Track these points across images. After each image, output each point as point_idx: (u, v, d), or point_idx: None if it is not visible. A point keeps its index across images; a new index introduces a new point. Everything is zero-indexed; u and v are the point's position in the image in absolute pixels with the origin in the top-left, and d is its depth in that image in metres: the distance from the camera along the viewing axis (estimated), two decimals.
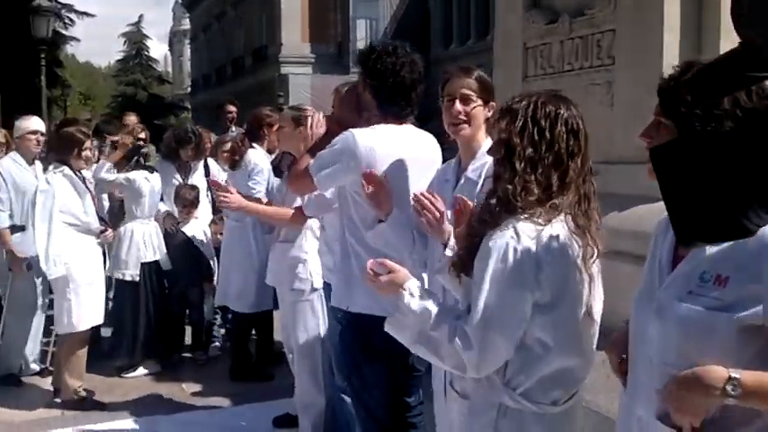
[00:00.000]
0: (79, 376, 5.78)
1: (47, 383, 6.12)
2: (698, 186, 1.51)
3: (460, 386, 2.49)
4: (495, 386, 2.36)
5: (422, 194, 3.00)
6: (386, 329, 2.48)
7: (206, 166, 7.17)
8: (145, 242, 6.41)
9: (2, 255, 6.20)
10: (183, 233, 6.71)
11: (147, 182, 6.43)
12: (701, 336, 1.92)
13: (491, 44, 5.57)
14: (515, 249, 2.22)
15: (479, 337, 2.24)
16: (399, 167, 3.43)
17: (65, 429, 5.34)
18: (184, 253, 6.69)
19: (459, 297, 2.52)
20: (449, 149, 8.04)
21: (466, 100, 3.10)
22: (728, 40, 3.88)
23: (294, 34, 37.71)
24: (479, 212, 2.41)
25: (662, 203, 3.35)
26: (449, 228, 2.93)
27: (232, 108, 9.12)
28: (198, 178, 7.06)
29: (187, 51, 72.61)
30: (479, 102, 3.11)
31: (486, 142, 3.04)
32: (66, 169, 5.63)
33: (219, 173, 7.20)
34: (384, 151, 3.40)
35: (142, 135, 6.91)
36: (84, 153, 5.74)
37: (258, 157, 6.01)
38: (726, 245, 1.91)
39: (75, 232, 5.62)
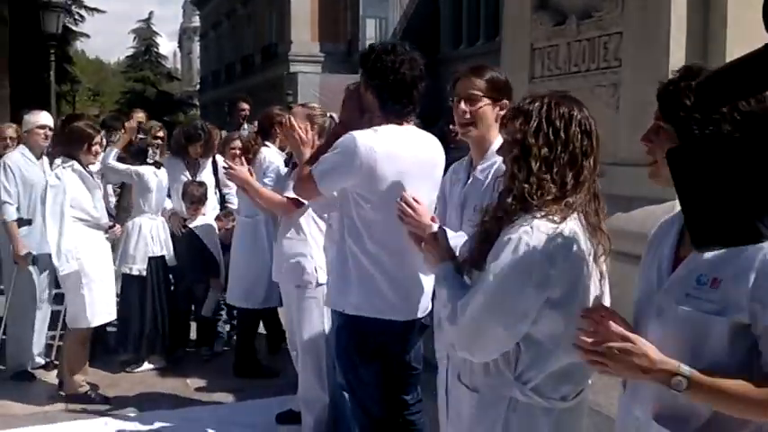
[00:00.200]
0: (83, 370, 5.81)
1: (51, 377, 6.16)
2: (714, 190, 1.51)
3: (470, 380, 2.52)
4: (505, 380, 2.39)
5: (404, 201, 3.04)
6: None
7: (214, 164, 7.19)
8: (152, 237, 6.44)
9: (8, 249, 6.23)
10: (191, 229, 6.73)
11: (156, 177, 6.47)
12: (696, 338, 1.95)
13: (500, 45, 5.59)
14: (528, 244, 2.26)
15: (469, 316, 2.29)
16: (400, 168, 3.45)
17: (69, 423, 5.37)
18: (191, 249, 6.72)
19: None
20: (456, 149, 8.06)
21: (472, 100, 3.11)
22: (735, 43, 3.91)
23: (304, 33, 37.75)
24: (494, 210, 2.44)
25: (665, 205, 3.37)
26: (428, 221, 2.99)
27: (245, 105, 9.13)
28: (206, 175, 7.07)
29: (196, 48, 72.75)
30: (487, 101, 3.10)
31: (497, 142, 3.00)
32: (76, 164, 5.63)
33: None
34: (385, 152, 3.41)
35: (160, 134, 6.93)
36: (93, 148, 5.76)
37: (272, 154, 6.02)
38: (722, 249, 1.93)
39: (85, 227, 5.63)
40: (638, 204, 3.82)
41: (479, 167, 3.14)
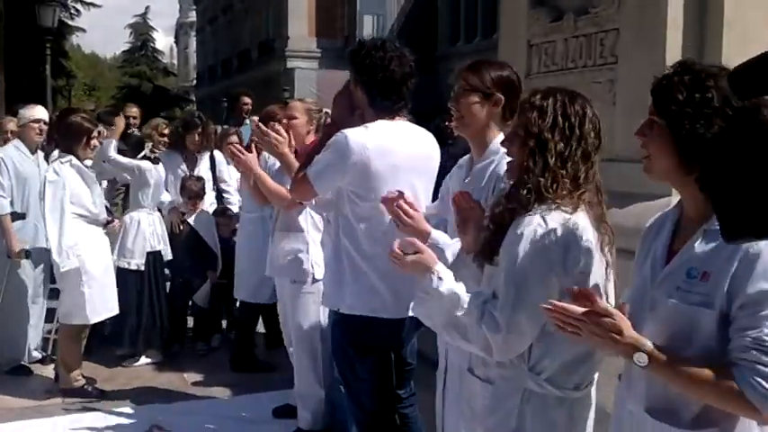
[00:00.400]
0: (79, 364, 5.81)
1: (48, 371, 6.17)
2: (746, 180, 1.53)
3: (484, 372, 2.54)
4: (520, 371, 2.43)
5: (401, 207, 3.05)
6: (413, 313, 2.59)
7: (212, 159, 7.18)
8: (151, 231, 6.46)
9: (1, 243, 6.19)
10: (188, 224, 6.73)
11: (155, 171, 6.50)
12: (686, 330, 1.98)
13: (497, 42, 5.59)
14: (543, 235, 2.30)
15: (507, 321, 2.32)
16: (394, 164, 3.45)
17: (65, 417, 5.36)
18: (189, 244, 6.72)
19: (482, 285, 2.54)
20: (453, 145, 8.07)
21: (460, 95, 3.04)
22: (731, 39, 3.92)
23: (301, 28, 37.72)
24: (505, 202, 2.45)
25: (661, 201, 3.38)
26: (425, 227, 3.01)
27: (247, 99, 9.12)
28: (203, 170, 7.07)
29: (193, 44, 72.60)
30: (475, 97, 2.99)
31: (496, 139, 2.97)
32: (74, 159, 5.63)
33: (225, 165, 7.22)
34: (377, 148, 3.42)
35: (166, 131, 6.93)
36: (92, 142, 5.75)
37: None
38: (713, 243, 1.96)
39: (84, 223, 5.63)
40: (635, 200, 3.83)
41: (477, 166, 3.12)
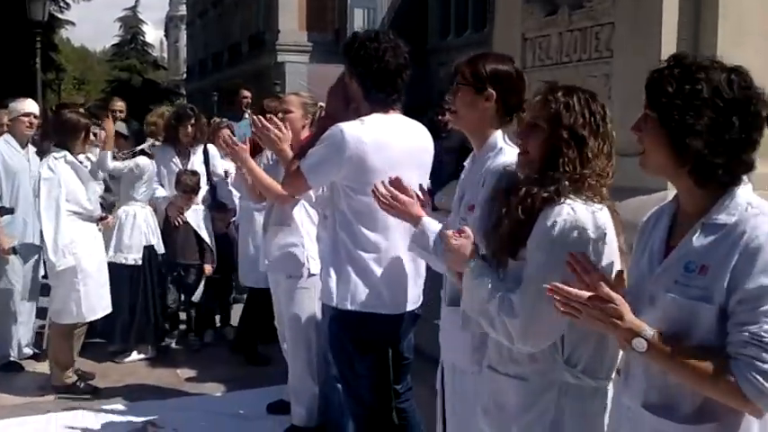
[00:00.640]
0: (72, 361, 5.78)
1: (40, 367, 6.14)
2: None
3: (512, 369, 2.54)
4: (555, 365, 2.44)
5: (385, 190, 3.06)
6: (462, 306, 2.61)
7: (205, 152, 7.14)
8: (146, 226, 6.44)
9: None
10: (183, 218, 6.71)
11: (151, 167, 6.52)
12: (686, 324, 1.98)
13: (488, 36, 5.58)
14: (573, 225, 2.34)
15: (527, 307, 2.34)
16: (390, 157, 3.43)
17: (58, 413, 5.34)
18: (183, 238, 6.69)
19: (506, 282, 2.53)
20: (447, 138, 8.05)
21: (457, 91, 3.01)
22: (727, 33, 3.91)
23: (291, 22, 37.64)
24: (525, 197, 2.43)
25: (657, 195, 3.39)
26: (418, 211, 3.02)
27: (247, 93, 9.08)
28: (197, 164, 7.02)
29: (183, 37, 72.37)
30: (468, 91, 2.94)
31: (492, 136, 2.94)
32: (69, 155, 5.58)
33: (219, 159, 7.19)
34: (374, 142, 3.41)
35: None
36: (89, 138, 5.73)
37: None
38: (712, 237, 1.97)
39: (79, 221, 5.59)
40: (631, 194, 3.82)
41: (475, 163, 3.09)
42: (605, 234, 2.38)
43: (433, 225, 2.98)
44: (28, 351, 6.37)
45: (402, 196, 3.05)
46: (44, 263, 5.93)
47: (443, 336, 3.09)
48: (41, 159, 5.88)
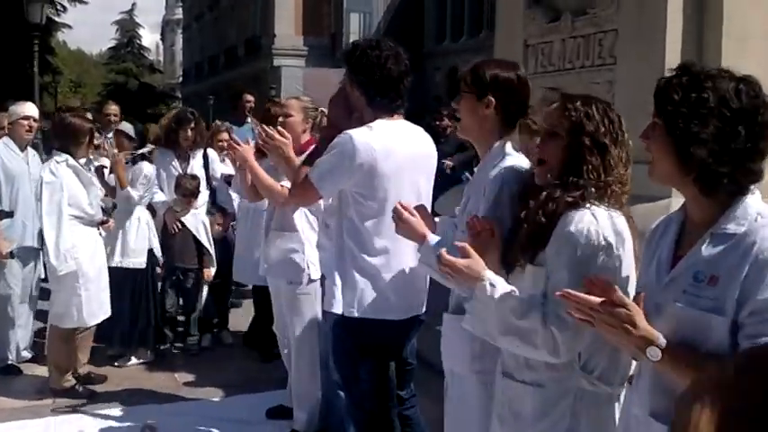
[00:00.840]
0: (70, 365, 5.76)
1: (39, 371, 6.10)
2: None
3: (530, 376, 2.53)
4: (572, 372, 2.44)
5: (397, 212, 3.02)
6: (464, 325, 2.55)
7: (205, 156, 7.13)
8: (149, 229, 6.45)
9: None
10: (182, 223, 6.69)
11: (152, 171, 6.52)
12: (697, 335, 1.97)
13: (484, 41, 5.59)
14: (595, 232, 2.35)
15: (571, 320, 2.29)
16: (398, 163, 3.43)
17: (56, 418, 5.31)
18: (182, 243, 6.68)
19: (525, 287, 2.51)
20: (446, 143, 8.06)
21: (461, 98, 2.98)
22: (731, 40, 3.92)
23: (287, 26, 37.69)
24: (547, 202, 2.43)
25: (661, 203, 3.39)
26: (423, 230, 2.95)
27: (250, 97, 9.08)
28: (197, 168, 7.00)
29: (179, 41, 72.47)
30: (469, 97, 2.93)
31: (496, 146, 2.91)
32: (71, 159, 5.55)
33: (219, 163, 7.18)
34: (383, 149, 3.40)
35: None
36: (93, 142, 5.72)
37: None
38: (721, 246, 1.95)
39: (80, 225, 5.57)
40: (635, 202, 3.82)
41: (479, 172, 3.07)
42: (624, 241, 2.39)
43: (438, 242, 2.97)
44: (26, 354, 6.33)
45: (407, 216, 3.01)
46: (44, 266, 5.90)
47: (444, 342, 3.08)
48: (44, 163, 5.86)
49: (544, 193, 2.45)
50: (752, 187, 2.01)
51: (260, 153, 4.59)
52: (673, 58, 3.84)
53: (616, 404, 2.46)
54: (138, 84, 58.30)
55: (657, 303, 2.06)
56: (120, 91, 51.66)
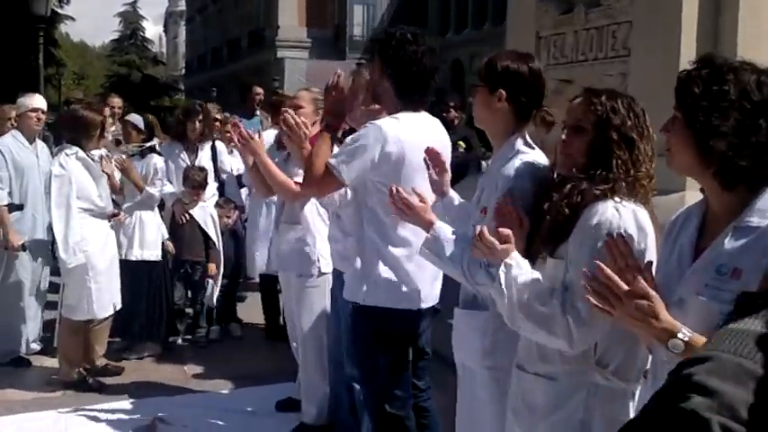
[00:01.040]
0: (81, 357, 5.76)
1: (48, 363, 6.11)
2: None
3: (544, 368, 2.53)
4: (587, 366, 2.43)
5: (401, 197, 2.99)
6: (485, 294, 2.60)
7: (213, 149, 7.12)
8: (160, 221, 6.48)
9: None
10: (190, 215, 6.68)
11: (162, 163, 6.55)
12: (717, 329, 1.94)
13: (488, 33, 5.57)
14: (619, 227, 2.33)
15: (588, 312, 2.30)
16: (421, 154, 3.41)
17: (65, 410, 5.30)
18: (189, 235, 6.68)
19: (546, 278, 2.49)
20: (453, 133, 8.09)
21: (475, 91, 3.00)
22: (746, 31, 3.89)
23: (291, 18, 37.64)
24: (571, 194, 2.42)
25: (674, 196, 3.40)
26: (430, 217, 2.93)
27: (260, 90, 9.08)
28: (205, 160, 7.00)
29: (182, 33, 72.40)
30: (484, 93, 2.93)
31: (510, 140, 2.91)
32: (80, 152, 5.54)
33: (227, 155, 7.18)
34: (410, 140, 3.40)
35: (218, 116, 6.92)
36: (104, 135, 5.72)
37: None
38: (744, 239, 1.93)
39: (90, 218, 5.56)
40: None
41: (493, 165, 3.06)
42: (647, 236, 2.38)
43: (445, 232, 2.91)
44: (36, 346, 6.34)
45: (415, 202, 3.00)
46: (55, 258, 5.90)
47: (456, 336, 3.08)
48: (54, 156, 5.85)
49: (569, 184, 2.44)
50: None
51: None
52: (687, 50, 3.83)
53: (630, 402, 2.45)
54: (141, 76, 58.16)
55: (679, 295, 2.04)
56: (123, 83, 51.52)
